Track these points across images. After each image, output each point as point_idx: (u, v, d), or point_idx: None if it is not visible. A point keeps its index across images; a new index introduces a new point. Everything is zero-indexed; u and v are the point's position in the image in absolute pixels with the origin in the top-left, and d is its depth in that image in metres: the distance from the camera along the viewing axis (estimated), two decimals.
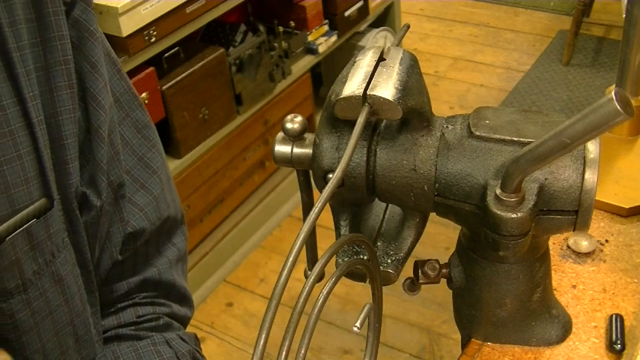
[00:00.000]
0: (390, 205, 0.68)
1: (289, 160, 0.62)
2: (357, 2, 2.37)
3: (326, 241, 0.52)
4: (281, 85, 2.16)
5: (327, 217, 0.61)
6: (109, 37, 0.60)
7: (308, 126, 0.61)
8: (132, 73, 1.68)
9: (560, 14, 3.27)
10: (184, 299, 0.74)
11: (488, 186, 0.56)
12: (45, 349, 0.58)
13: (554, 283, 0.70)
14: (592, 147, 0.57)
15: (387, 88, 0.54)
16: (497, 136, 0.58)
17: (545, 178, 0.56)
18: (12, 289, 0.54)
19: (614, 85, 0.85)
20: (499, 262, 0.63)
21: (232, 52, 1.96)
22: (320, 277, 0.47)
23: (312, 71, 2.32)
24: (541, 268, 0.64)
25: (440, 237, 1.87)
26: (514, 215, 0.54)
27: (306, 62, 2.26)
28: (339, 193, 0.60)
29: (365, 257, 0.60)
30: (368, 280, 0.60)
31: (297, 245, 0.41)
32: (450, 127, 0.60)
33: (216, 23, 1.98)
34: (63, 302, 0.59)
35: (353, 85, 0.55)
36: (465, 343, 0.71)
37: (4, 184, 0.52)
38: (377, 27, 2.56)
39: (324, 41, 2.27)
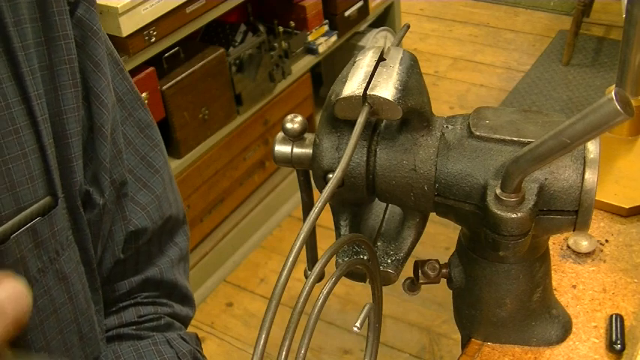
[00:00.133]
0: (390, 205, 0.68)
1: (289, 160, 0.62)
2: (357, 2, 2.37)
3: (326, 241, 0.52)
4: (281, 85, 2.16)
5: (327, 217, 0.61)
6: (109, 37, 0.60)
7: (308, 126, 0.61)
8: (132, 73, 1.67)
9: (560, 14, 3.27)
10: (186, 299, 0.74)
11: (488, 186, 0.56)
12: (49, 346, 0.58)
13: (554, 283, 0.70)
14: (592, 147, 0.57)
15: (387, 88, 0.54)
16: (497, 136, 0.58)
17: (545, 178, 0.56)
18: None
19: (614, 85, 0.85)
20: (499, 262, 0.63)
21: (232, 52, 1.96)
22: (320, 277, 0.47)
23: (312, 71, 2.32)
24: (541, 268, 0.64)
25: (440, 237, 1.87)
26: (514, 215, 0.54)
27: (306, 62, 2.26)
28: (339, 193, 0.60)
29: (365, 257, 0.60)
30: (368, 280, 0.60)
31: (297, 245, 0.41)
32: (450, 127, 0.60)
33: (216, 23, 1.99)
34: (67, 300, 0.59)
35: (353, 85, 0.55)
36: (464, 343, 0.71)
37: (9, 182, 0.52)
38: (377, 27, 2.56)
39: (324, 41, 2.27)
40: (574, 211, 0.57)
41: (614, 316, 0.70)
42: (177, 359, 0.66)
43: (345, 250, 0.62)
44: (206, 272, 2.11)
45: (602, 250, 0.79)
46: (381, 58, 0.57)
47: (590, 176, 0.56)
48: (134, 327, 0.68)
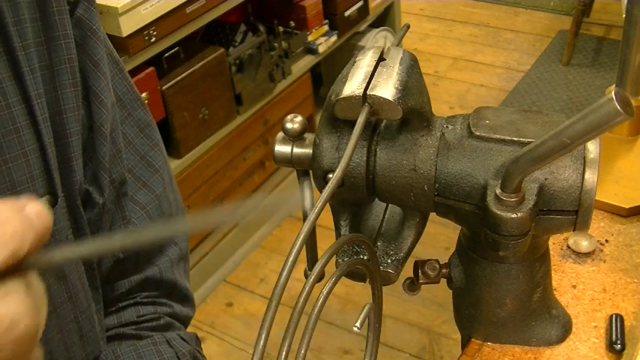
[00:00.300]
0: (390, 205, 0.68)
1: (289, 160, 0.62)
2: (357, 2, 2.37)
3: (326, 241, 0.52)
4: (281, 85, 2.16)
5: (327, 217, 0.61)
6: (109, 37, 0.60)
7: (308, 126, 0.61)
8: (132, 73, 1.67)
9: (560, 14, 3.27)
10: (186, 299, 0.74)
11: (488, 186, 0.56)
12: (49, 345, 0.58)
13: (554, 283, 0.70)
14: (592, 147, 0.57)
15: (387, 88, 0.54)
16: (497, 136, 0.58)
17: (545, 178, 0.56)
18: None
19: (614, 85, 0.85)
20: (499, 262, 0.63)
21: (232, 52, 1.96)
22: (320, 277, 0.47)
23: (312, 71, 2.32)
24: (541, 268, 0.64)
25: (440, 237, 1.87)
26: (514, 215, 0.54)
27: (306, 62, 2.26)
28: (339, 193, 0.60)
29: (365, 257, 0.60)
30: (368, 280, 0.60)
31: (297, 245, 0.41)
32: (450, 127, 0.60)
33: (216, 23, 1.99)
34: (67, 299, 0.59)
35: (353, 85, 0.55)
36: (464, 343, 0.71)
37: (10, 182, 0.52)
38: (377, 27, 2.56)
39: (324, 41, 2.27)
40: (574, 211, 0.57)
41: (614, 316, 0.70)
42: (177, 359, 0.66)
43: (345, 250, 0.62)
44: (206, 272, 2.11)
45: (602, 250, 0.79)
46: (381, 58, 0.57)
47: (590, 176, 0.56)
48: (134, 327, 0.68)
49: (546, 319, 0.68)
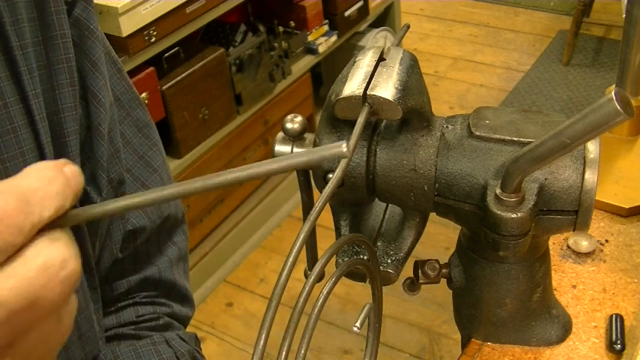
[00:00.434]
0: (390, 205, 0.68)
1: None
2: (357, 2, 2.37)
3: (326, 241, 0.52)
4: (281, 85, 2.16)
5: (327, 217, 0.61)
6: (109, 37, 0.60)
7: (308, 126, 0.61)
8: (132, 73, 1.68)
9: (560, 14, 3.27)
10: (185, 299, 0.74)
11: (488, 186, 0.56)
12: None
13: (554, 283, 0.70)
14: (592, 147, 0.57)
15: (387, 88, 0.54)
16: (497, 136, 0.58)
17: (545, 178, 0.56)
18: None
19: (614, 85, 0.85)
20: (499, 262, 0.63)
21: (232, 52, 1.96)
22: (320, 277, 0.47)
23: (312, 71, 2.32)
24: (541, 268, 0.64)
25: (440, 237, 1.87)
26: (514, 215, 0.54)
27: (306, 62, 2.26)
28: (339, 193, 0.60)
29: (365, 257, 0.60)
30: (368, 280, 0.60)
31: (297, 245, 0.41)
32: (450, 127, 0.60)
33: (216, 23, 1.99)
34: None
35: (353, 85, 0.55)
36: (464, 343, 0.71)
37: None
38: (377, 27, 2.56)
39: (324, 41, 2.27)
40: (574, 211, 0.57)
41: (614, 316, 0.70)
42: (176, 359, 0.66)
43: (345, 250, 0.62)
44: (206, 272, 2.11)
45: (602, 250, 0.79)
46: (381, 58, 0.57)
47: (590, 176, 0.56)
48: (133, 327, 0.68)
49: (546, 319, 0.68)
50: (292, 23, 2.19)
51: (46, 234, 0.33)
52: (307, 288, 0.44)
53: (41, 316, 0.33)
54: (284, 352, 0.41)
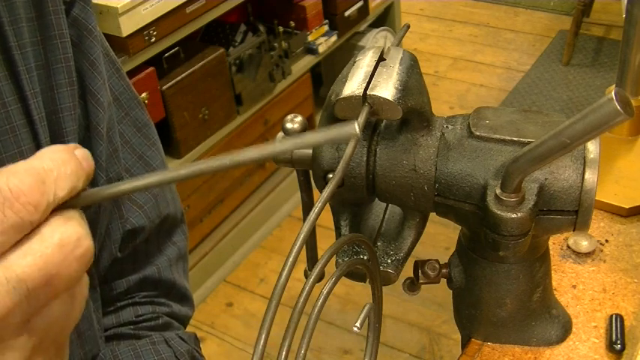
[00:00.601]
0: (390, 205, 0.68)
1: (289, 160, 0.62)
2: (357, 2, 2.37)
3: (326, 241, 0.52)
4: (281, 85, 2.16)
5: (327, 217, 0.61)
6: (109, 37, 0.60)
7: (308, 126, 0.61)
8: (132, 73, 1.68)
9: (560, 14, 3.27)
10: (185, 299, 0.74)
11: (488, 186, 0.56)
12: None
13: (554, 283, 0.70)
14: (592, 147, 0.57)
15: (387, 88, 0.54)
16: (497, 136, 0.58)
17: (545, 178, 0.56)
18: None
19: (614, 85, 0.85)
20: (499, 262, 0.63)
21: (232, 52, 1.96)
22: (320, 277, 0.47)
23: (312, 71, 2.32)
24: (541, 268, 0.64)
25: (440, 237, 1.87)
26: (514, 215, 0.54)
27: (306, 62, 2.26)
28: (339, 193, 0.60)
29: (365, 257, 0.60)
30: (368, 280, 0.60)
31: (297, 245, 0.41)
32: (450, 127, 0.60)
33: (216, 23, 1.99)
34: None
35: (353, 85, 0.55)
36: (464, 343, 0.71)
37: None
38: (377, 27, 2.56)
39: (324, 41, 2.27)
40: (574, 211, 0.57)
41: (614, 316, 0.70)
42: (175, 358, 0.66)
43: (345, 250, 0.62)
44: (206, 272, 2.11)
45: (602, 250, 0.79)
46: (381, 58, 0.57)
47: (590, 176, 0.56)
48: (132, 326, 0.68)
49: (546, 319, 0.68)
50: (292, 23, 2.19)
51: (61, 213, 0.34)
52: (307, 288, 0.44)
53: (57, 293, 0.33)
54: (284, 352, 0.41)
